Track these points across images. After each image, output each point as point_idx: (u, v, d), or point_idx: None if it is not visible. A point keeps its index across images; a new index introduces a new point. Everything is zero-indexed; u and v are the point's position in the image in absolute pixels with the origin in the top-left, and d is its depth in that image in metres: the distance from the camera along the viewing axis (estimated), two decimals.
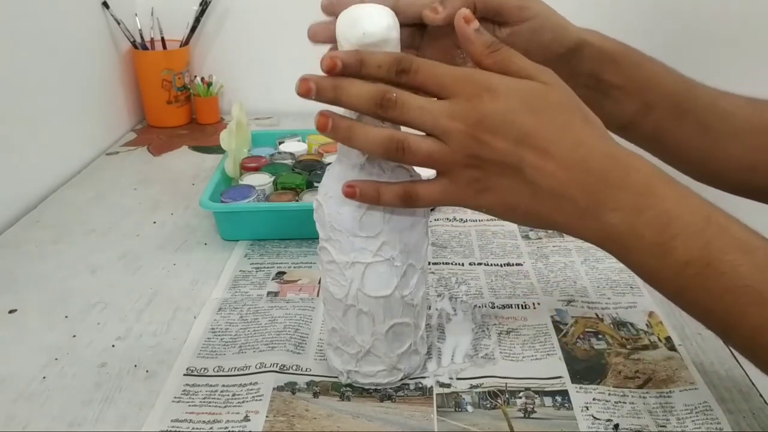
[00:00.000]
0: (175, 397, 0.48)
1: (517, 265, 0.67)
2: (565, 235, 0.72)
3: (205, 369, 0.51)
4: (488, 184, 0.39)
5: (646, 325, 0.57)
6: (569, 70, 0.46)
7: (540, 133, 0.37)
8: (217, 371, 0.51)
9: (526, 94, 0.38)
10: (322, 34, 0.43)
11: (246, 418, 0.46)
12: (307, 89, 0.38)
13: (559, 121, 0.38)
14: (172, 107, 1.11)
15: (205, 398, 0.48)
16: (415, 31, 0.45)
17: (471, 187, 0.39)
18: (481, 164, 0.38)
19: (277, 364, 0.51)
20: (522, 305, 0.60)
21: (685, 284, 0.36)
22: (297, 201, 0.74)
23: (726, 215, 0.37)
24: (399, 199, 0.41)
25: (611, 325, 0.57)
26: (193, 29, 1.12)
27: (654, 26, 1.14)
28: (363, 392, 0.49)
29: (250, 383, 0.50)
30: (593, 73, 0.47)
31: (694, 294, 0.36)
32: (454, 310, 0.59)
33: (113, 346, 0.55)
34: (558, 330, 0.56)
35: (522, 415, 0.47)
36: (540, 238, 0.72)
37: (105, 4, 1.02)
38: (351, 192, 0.41)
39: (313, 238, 0.49)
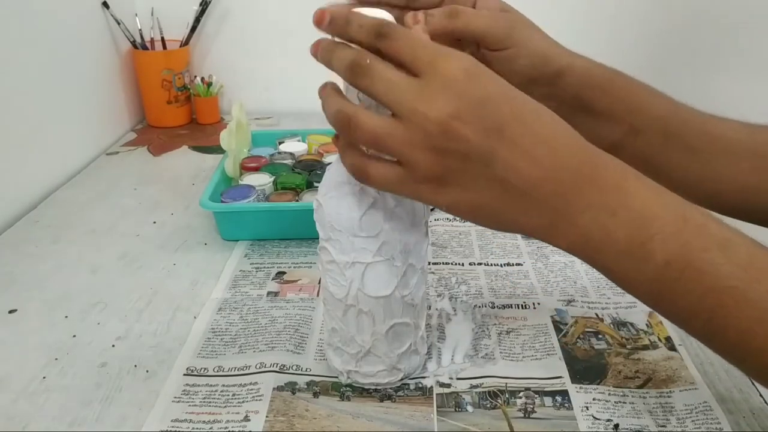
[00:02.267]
0: (175, 397, 0.48)
1: (517, 265, 0.67)
2: None
3: (205, 369, 0.51)
4: (451, 178, 0.35)
5: (646, 325, 0.57)
6: (549, 92, 0.47)
7: (515, 126, 0.34)
8: (217, 371, 0.51)
9: (502, 81, 0.35)
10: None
11: (246, 418, 0.46)
12: (314, 50, 0.38)
13: (535, 114, 0.35)
14: (172, 107, 1.11)
15: (205, 398, 0.48)
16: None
17: (431, 180, 0.36)
18: (445, 155, 0.35)
19: (277, 364, 0.51)
20: (522, 305, 0.60)
21: (665, 287, 0.34)
22: (297, 201, 0.74)
23: (703, 213, 0.34)
24: (351, 167, 0.39)
25: (611, 325, 0.57)
26: (193, 29, 1.12)
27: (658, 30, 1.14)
28: (363, 392, 0.49)
29: (250, 383, 0.50)
30: (577, 96, 0.47)
31: (674, 297, 0.34)
32: (454, 310, 0.59)
33: (113, 346, 0.55)
34: (558, 330, 0.56)
35: (522, 415, 0.47)
36: None
37: (105, 4, 1.02)
38: (335, 142, 0.40)
39: (313, 238, 0.49)
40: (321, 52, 0.38)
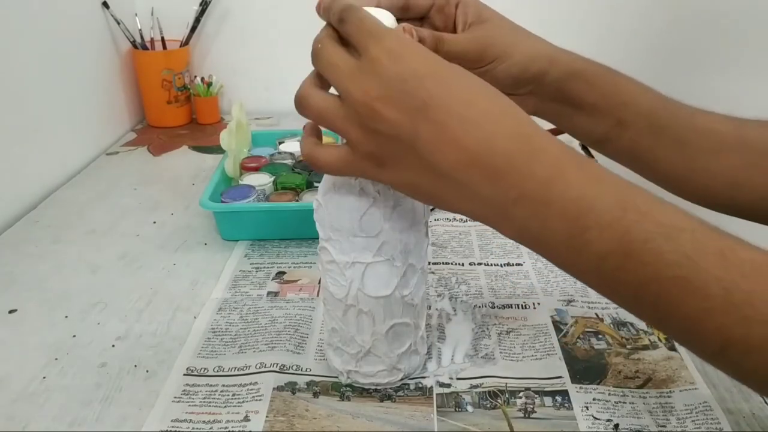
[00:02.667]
0: (175, 397, 0.48)
1: (517, 265, 0.67)
2: None
3: (205, 369, 0.51)
4: (386, 158, 0.36)
5: (647, 324, 0.57)
6: (534, 88, 0.47)
7: (441, 105, 0.33)
8: (217, 371, 0.51)
9: (433, 62, 0.35)
10: None
11: (246, 418, 0.46)
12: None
13: (464, 93, 0.34)
14: (172, 107, 1.11)
15: (205, 398, 0.48)
16: (421, 25, 0.46)
17: (370, 158, 0.37)
18: (376, 135, 0.35)
19: (277, 364, 0.51)
20: (522, 305, 0.60)
21: (607, 277, 0.33)
22: (297, 201, 0.74)
23: (648, 198, 0.33)
24: (304, 155, 0.40)
25: (611, 325, 0.57)
26: (193, 29, 1.12)
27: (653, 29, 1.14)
28: (363, 392, 0.49)
29: (250, 383, 0.50)
30: (563, 90, 0.47)
31: (617, 287, 0.33)
32: (454, 310, 0.59)
33: (113, 346, 0.55)
34: (558, 330, 0.56)
35: (522, 415, 0.47)
36: None
37: (105, 4, 1.02)
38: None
39: (313, 238, 0.49)
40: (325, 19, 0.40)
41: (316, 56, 0.38)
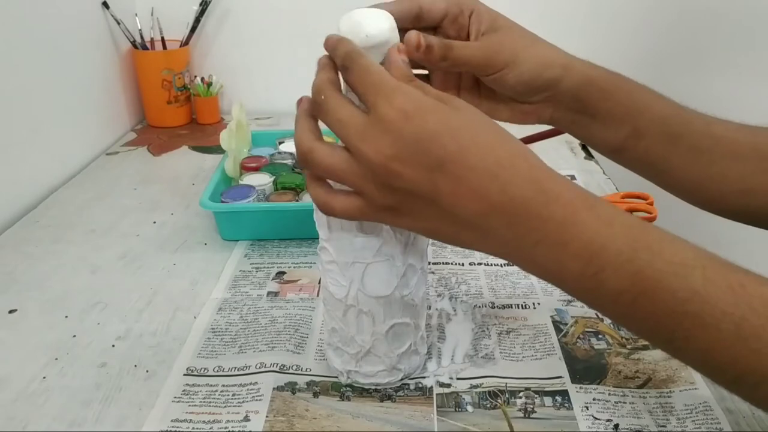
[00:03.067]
0: (175, 397, 0.48)
1: None
2: None
3: (205, 369, 0.51)
4: (405, 210, 0.37)
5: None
6: (550, 96, 0.47)
7: (457, 161, 0.34)
8: (217, 371, 0.51)
9: (445, 118, 0.35)
10: None
11: (246, 418, 0.46)
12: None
13: (478, 147, 0.35)
14: (172, 107, 1.11)
15: (205, 398, 0.48)
16: (435, 34, 0.46)
17: (388, 210, 0.37)
18: (394, 191, 0.36)
19: (277, 364, 0.51)
20: (522, 305, 0.60)
21: (623, 312, 0.35)
22: (297, 201, 0.74)
23: (658, 236, 0.34)
24: (316, 202, 0.40)
25: (611, 325, 0.57)
26: (193, 29, 1.12)
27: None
28: (363, 392, 0.49)
29: (250, 383, 0.50)
30: (579, 99, 0.47)
31: (633, 321, 0.35)
32: (454, 310, 0.59)
33: (113, 346, 0.55)
34: (558, 330, 0.56)
35: (522, 415, 0.47)
36: None
37: (105, 4, 1.02)
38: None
39: (313, 238, 0.49)
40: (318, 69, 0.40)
41: (320, 110, 0.37)
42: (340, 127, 0.36)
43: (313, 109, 0.39)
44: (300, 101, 0.41)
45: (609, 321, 0.57)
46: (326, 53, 0.40)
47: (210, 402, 0.48)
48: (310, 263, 0.68)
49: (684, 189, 0.50)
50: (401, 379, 0.50)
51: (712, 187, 0.48)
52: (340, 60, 0.38)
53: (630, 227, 0.34)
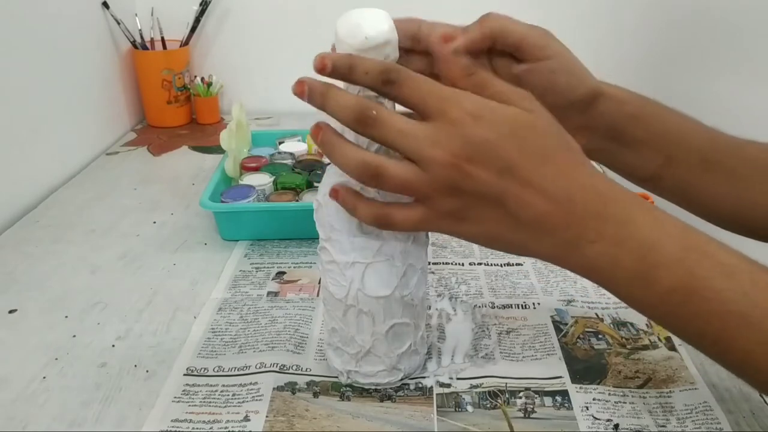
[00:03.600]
0: (175, 397, 0.48)
1: (517, 265, 0.67)
2: None
3: (205, 369, 0.51)
4: (468, 214, 0.38)
5: (646, 325, 0.57)
6: (585, 121, 0.46)
7: (524, 164, 0.36)
8: (217, 371, 0.51)
9: (512, 121, 0.36)
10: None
11: (246, 418, 0.46)
12: (301, 91, 0.38)
13: (543, 150, 0.36)
14: (172, 107, 1.11)
15: (205, 398, 0.48)
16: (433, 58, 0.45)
17: (450, 216, 0.38)
18: (461, 194, 0.37)
19: (277, 364, 0.51)
20: (522, 305, 0.60)
21: (672, 311, 0.36)
22: (297, 201, 0.74)
23: (708, 241, 0.36)
24: (373, 220, 0.40)
25: (611, 325, 0.57)
26: (193, 29, 1.12)
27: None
28: (363, 392, 0.49)
29: (250, 383, 0.50)
30: (613, 125, 0.46)
31: (680, 321, 0.36)
32: (454, 310, 0.59)
33: (113, 346, 0.55)
34: (558, 330, 0.56)
35: (522, 415, 0.47)
36: None
37: (105, 4, 1.02)
38: (334, 195, 0.41)
39: (313, 238, 0.49)
40: (314, 96, 0.38)
41: (373, 125, 0.37)
42: (403, 137, 0.36)
43: (360, 126, 0.37)
44: (319, 128, 0.39)
45: (609, 321, 0.57)
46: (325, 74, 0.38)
47: (210, 402, 0.48)
48: (310, 263, 0.68)
49: (719, 215, 0.49)
50: (401, 379, 0.50)
51: (746, 212, 0.47)
52: (378, 77, 0.37)
53: (681, 229, 0.36)
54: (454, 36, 0.42)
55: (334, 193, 0.41)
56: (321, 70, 0.37)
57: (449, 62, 0.38)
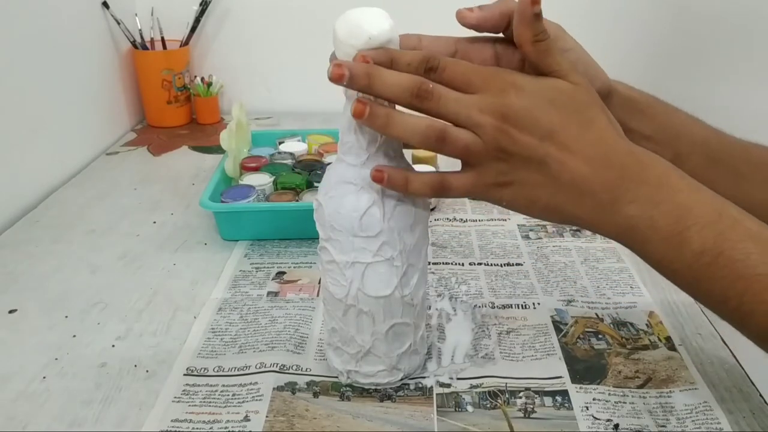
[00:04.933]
0: (175, 397, 0.48)
1: (517, 265, 0.67)
2: (565, 234, 0.73)
3: (205, 369, 0.51)
4: (513, 177, 0.40)
5: (646, 325, 0.57)
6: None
7: (564, 130, 0.39)
8: (217, 371, 0.51)
9: (552, 92, 0.39)
10: (476, 19, 0.43)
11: (246, 418, 0.46)
12: (339, 75, 0.38)
13: (583, 119, 0.39)
14: (172, 107, 1.11)
15: (205, 398, 0.48)
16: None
17: (496, 179, 0.40)
18: (508, 157, 0.39)
19: (277, 364, 0.51)
20: (522, 305, 0.60)
21: (700, 273, 0.37)
22: (297, 201, 0.74)
23: (738, 210, 0.38)
24: (429, 188, 0.42)
25: (611, 325, 0.57)
26: (193, 29, 1.12)
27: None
28: (363, 392, 0.49)
29: (250, 383, 0.50)
30: (622, 121, 0.46)
31: (708, 283, 0.38)
32: (454, 310, 0.59)
33: (113, 346, 0.55)
34: (558, 330, 0.56)
35: (522, 415, 0.47)
36: (540, 238, 0.72)
37: (105, 4, 1.02)
38: (379, 177, 0.41)
39: (313, 238, 0.49)
40: (357, 78, 0.38)
41: (431, 97, 0.39)
42: (458, 104, 0.39)
43: (417, 100, 0.39)
44: (364, 103, 0.39)
45: (609, 321, 0.57)
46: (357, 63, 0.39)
47: (210, 402, 0.48)
48: (310, 263, 0.68)
49: None
50: (401, 379, 0.50)
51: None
52: (420, 66, 0.39)
53: (714, 196, 0.39)
54: (472, 10, 0.43)
55: (378, 174, 0.41)
56: (339, 78, 0.38)
57: (527, 21, 0.39)
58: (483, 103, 0.39)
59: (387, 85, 0.39)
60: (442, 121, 0.40)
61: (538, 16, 0.39)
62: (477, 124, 0.39)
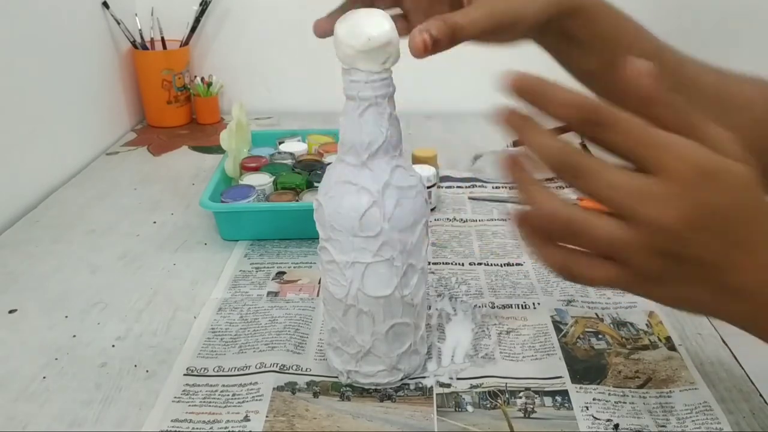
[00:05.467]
0: (175, 397, 0.48)
1: (517, 265, 0.67)
2: None
3: (205, 369, 0.51)
4: (670, 278, 0.33)
5: (646, 325, 0.57)
6: (534, 22, 0.43)
7: (753, 231, 0.33)
8: (217, 371, 0.51)
9: (745, 182, 0.32)
10: (328, 28, 0.41)
11: (246, 418, 0.46)
12: (502, 115, 0.33)
13: (764, 212, 0.33)
14: (172, 107, 1.11)
15: (205, 398, 0.48)
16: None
17: (648, 278, 0.34)
18: (677, 261, 0.32)
19: (277, 364, 0.51)
20: (522, 305, 0.60)
21: None
22: (297, 201, 0.74)
23: None
24: (558, 268, 0.35)
25: (611, 325, 0.57)
26: (193, 29, 1.12)
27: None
28: (363, 392, 0.49)
29: (250, 383, 0.50)
30: (559, 22, 0.44)
31: None
32: (454, 310, 0.59)
33: (113, 346, 0.55)
34: (558, 330, 0.56)
35: (522, 415, 0.47)
36: None
37: (105, 4, 1.02)
38: (519, 222, 0.35)
39: (313, 238, 0.49)
40: (510, 125, 0.34)
41: (579, 174, 0.32)
42: (613, 191, 0.32)
43: (563, 174, 0.33)
44: (517, 166, 0.34)
45: (609, 321, 0.57)
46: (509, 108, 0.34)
47: (210, 402, 0.48)
48: (310, 263, 0.68)
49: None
50: (401, 379, 0.50)
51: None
52: (584, 116, 0.32)
53: None
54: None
55: (519, 221, 0.35)
56: (515, 84, 0.33)
57: (658, 101, 0.33)
58: (658, 193, 0.31)
59: (535, 147, 0.33)
60: (580, 210, 0.33)
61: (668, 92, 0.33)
62: (639, 218, 0.31)
